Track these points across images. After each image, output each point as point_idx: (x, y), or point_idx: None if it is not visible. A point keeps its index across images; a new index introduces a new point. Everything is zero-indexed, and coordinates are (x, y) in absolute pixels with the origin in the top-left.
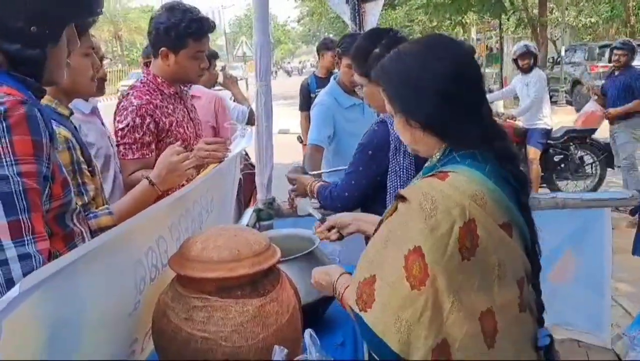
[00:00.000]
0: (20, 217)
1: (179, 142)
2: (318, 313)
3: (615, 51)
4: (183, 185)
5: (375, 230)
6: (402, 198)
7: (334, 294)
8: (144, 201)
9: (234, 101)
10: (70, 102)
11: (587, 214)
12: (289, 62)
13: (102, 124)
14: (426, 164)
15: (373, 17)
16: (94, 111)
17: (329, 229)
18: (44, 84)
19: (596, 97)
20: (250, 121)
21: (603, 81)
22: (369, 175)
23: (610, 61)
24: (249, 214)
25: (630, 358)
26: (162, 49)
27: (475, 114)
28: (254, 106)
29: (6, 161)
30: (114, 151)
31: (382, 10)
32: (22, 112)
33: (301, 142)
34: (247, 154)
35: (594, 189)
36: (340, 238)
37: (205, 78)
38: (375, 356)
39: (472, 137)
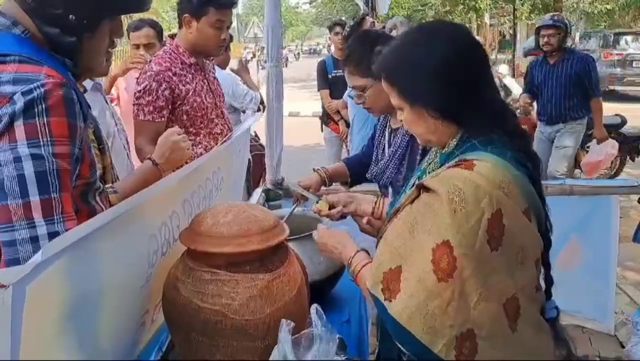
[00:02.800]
0: (52, 196)
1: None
2: (324, 291)
3: (542, 31)
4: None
5: (390, 217)
6: (426, 189)
7: (346, 267)
8: (147, 180)
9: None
10: (84, 80)
11: (594, 201)
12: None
13: (105, 101)
14: (442, 151)
15: (385, 0)
16: (97, 88)
17: (330, 208)
18: (80, 70)
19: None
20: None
21: (616, 69)
22: None
23: (538, 46)
24: (257, 194)
25: (632, 343)
26: (185, 15)
27: (486, 94)
28: (263, 91)
29: (43, 141)
30: (119, 128)
31: None
32: (61, 93)
33: (326, 121)
34: (256, 135)
35: (611, 179)
36: (344, 216)
37: (220, 58)
38: (398, 345)
39: (485, 119)
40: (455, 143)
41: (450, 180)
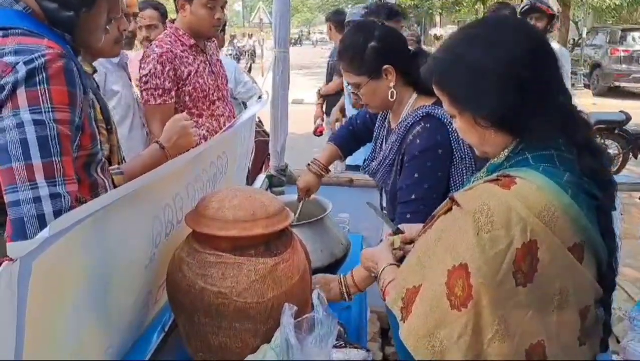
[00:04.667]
0: (54, 159)
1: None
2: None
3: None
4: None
5: (427, 224)
6: (456, 202)
7: (378, 285)
8: (154, 163)
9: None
10: (94, 61)
11: None
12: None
13: (129, 78)
14: (491, 161)
15: None
16: (123, 65)
17: (407, 243)
18: (78, 45)
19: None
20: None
21: (622, 66)
22: (438, 186)
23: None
24: (261, 180)
25: (628, 338)
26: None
27: (551, 102)
28: (268, 79)
29: (44, 108)
30: (136, 98)
31: None
32: (61, 64)
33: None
34: (260, 121)
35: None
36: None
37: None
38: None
39: (549, 129)
40: (507, 154)
41: (480, 197)
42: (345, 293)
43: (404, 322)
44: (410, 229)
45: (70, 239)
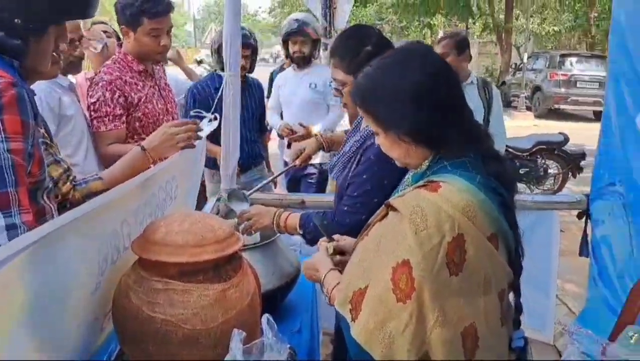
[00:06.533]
0: (9, 190)
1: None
2: (277, 301)
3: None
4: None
5: (363, 232)
6: (393, 208)
7: (322, 291)
8: (135, 167)
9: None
10: (32, 84)
11: (537, 216)
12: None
13: (78, 100)
14: (414, 171)
15: (344, 13)
16: (71, 88)
17: (339, 254)
18: (27, 72)
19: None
20: None
21: (561, 89)
22: (379, 194)
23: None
24: (212, 203)
25: (569, 352)
26: (122, 26)
27: (459, 118)
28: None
29: None
30: (88, 122)
31: (352, 7)
32: (13, 93)
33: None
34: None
35: (553, 194)
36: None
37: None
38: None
39: (460, 141)
40: (427, 164)
41: (413, 201)
42: (275, 225)
43: (354, 322)
44: (344, 240)
45: (12, 267)
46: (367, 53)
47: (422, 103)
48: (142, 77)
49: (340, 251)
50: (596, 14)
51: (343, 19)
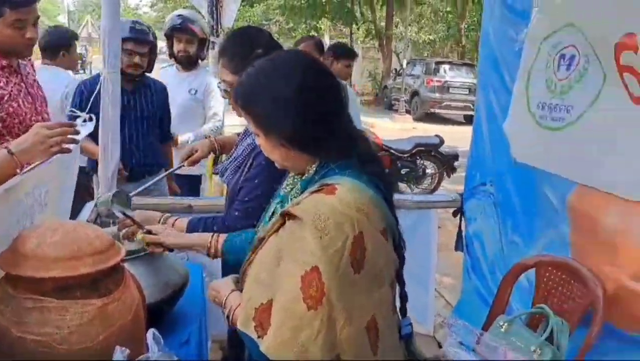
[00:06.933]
0: None
1: None
2: (163, 312)
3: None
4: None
5: (257, 247)
6: (292, 216)
7: (226, 314)
8: (1, 172)
9: None
10: None
11: (417, 214)
12: None
13: None
14: (302, 178)
15: (231, 12)
16: None
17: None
18: None
19: None
20: None
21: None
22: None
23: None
24: (88, 209)
25: (448, 343)
26: None
27: (338, 123)
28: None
29: None
30: None
31: (239, 6)
32: None
33: None
34: None
35: (431, 192)
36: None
37: (66, 61)
38: None
39: (341, 145)
40: (314, 169)
41: (314, 206)
42: None
43: (262, 338)
44: (163, 230)
45: None
46: (258, 55)
47: (302, 110)
48: (5, 73)
49: (159, 244)
50: (466, 26)
51: (230, 17)
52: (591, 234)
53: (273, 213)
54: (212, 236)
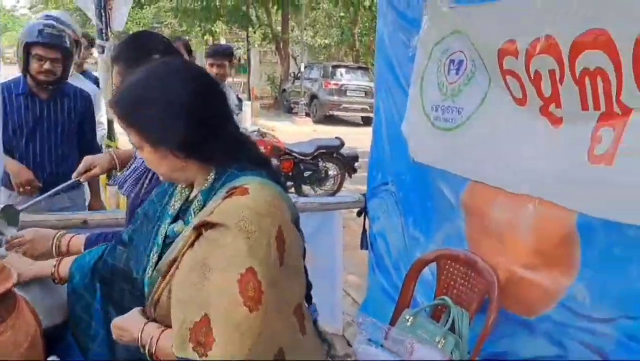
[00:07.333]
0: None
1: None
2: (63, 336)
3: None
4: None
5: (167, 271)
6: (211, 225)
7: (142, 350)
8: None
9: None
10: None
11: (322, 216)
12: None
13: None
14: (202, 188)
15: (122, 15)
16: None
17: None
18: None
19: None
20: None
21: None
22: None
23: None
24: None
25: (357, 341)
26: None
27: (226, 129)
28: None
29: None
30: None
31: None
32: None
33: None
34: None
35: (334, 193)
36: None
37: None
38: None
39: (232, 151)
40: (212, 177)
41: (233, 210)
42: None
43: (205, 356)
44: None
45: None
46: (155, 61)
47: (195, 115)
48: None
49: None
50: (359, 30)
51: (121, 21)
52: (483, 227)
53: (166, 236)
54: (57, 260)
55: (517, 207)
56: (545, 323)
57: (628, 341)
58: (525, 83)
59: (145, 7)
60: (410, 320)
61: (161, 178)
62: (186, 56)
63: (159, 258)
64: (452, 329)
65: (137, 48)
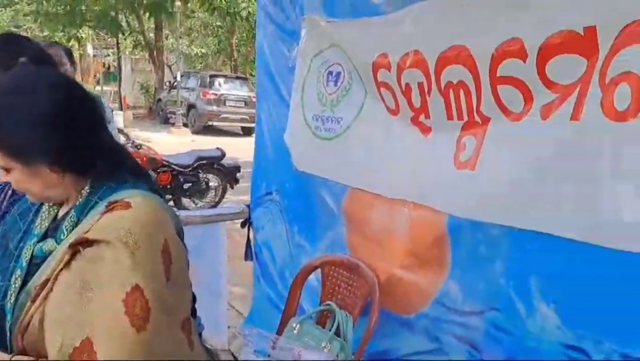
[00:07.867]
0: None
1: None
2: None
3: None
4: None
5: (38, 294)
6: (90, 243)
7: None
8: None
9: None
10: None
11: (204, 228)
12: None
13: None
14: (75, 204)
15: None
16: None
17: None
18: None
19: None
20: None
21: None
22: None
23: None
24: None
25: (244, 353)
26: None
27: (99, 139)
28: None
29: None
30: None
31: None
32: None
33: None
34: None
35: (215, 205)
36: None
37: None
38: None
39: (109, 162)
40: (87, 191)
41: (115, 225)
42: None
43: None
44: None
45: None
46: (23, 64)
47: (69, 126)
48: None
49: None
50: (237, 40)
51: None
52: (363, 233)
53: (33, 256)
54: None
55: (393, 212)
56: (423, 320)
57: (495, 331)
58: (398, 95)
59: (0, 9)
60: (297, 328)
61: (31, 199)
62: (68, 63)
63: (24, 281)
64: (337, 333)
65: (1, 52)
